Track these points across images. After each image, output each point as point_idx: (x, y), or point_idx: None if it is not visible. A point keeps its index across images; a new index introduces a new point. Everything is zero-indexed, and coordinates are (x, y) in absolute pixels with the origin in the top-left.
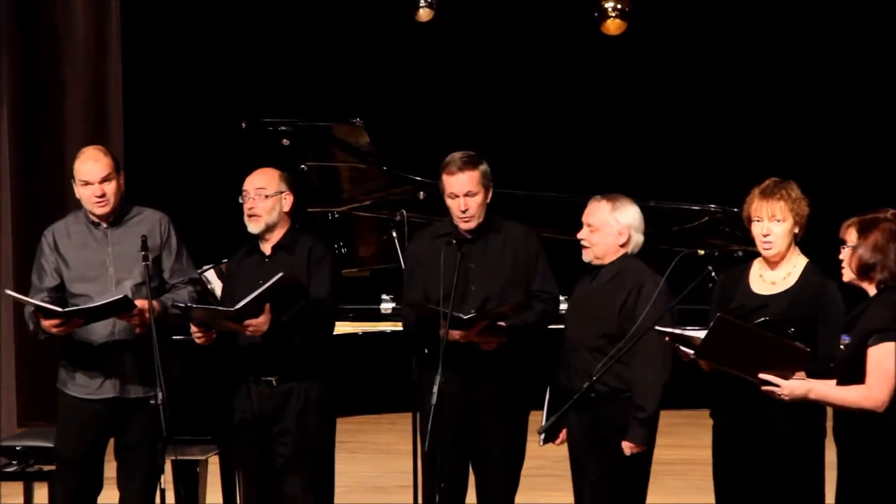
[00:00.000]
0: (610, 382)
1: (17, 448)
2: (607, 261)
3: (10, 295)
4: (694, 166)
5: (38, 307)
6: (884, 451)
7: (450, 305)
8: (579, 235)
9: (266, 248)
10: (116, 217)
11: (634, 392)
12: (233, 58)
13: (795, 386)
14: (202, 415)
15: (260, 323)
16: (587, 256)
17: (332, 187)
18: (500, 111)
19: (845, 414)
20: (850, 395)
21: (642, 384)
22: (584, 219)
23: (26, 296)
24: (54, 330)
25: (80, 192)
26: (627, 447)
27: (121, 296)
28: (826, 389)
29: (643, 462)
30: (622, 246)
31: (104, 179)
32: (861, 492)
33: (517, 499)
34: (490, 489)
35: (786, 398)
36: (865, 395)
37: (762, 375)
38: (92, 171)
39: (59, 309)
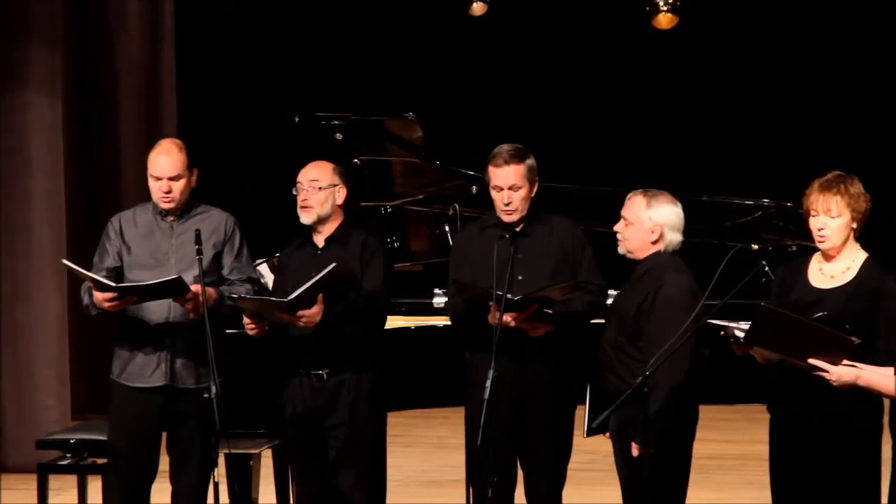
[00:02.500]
0: (629, 380)
1: (71, 441)
2: (640, 256)
3: (68, 265)
4: (748, 161)
5: (93, 280)
6: None
7: (504, 291)
8: (615, 228)
9: (319, 240)
10: (183, 211)
11: (646, 395)
12: (287, 51)
13: (844, 372)
14: (255, 408)
15: (313, 314)
16: (621, 249)
17: (384, 181)
18: (552, 105)
19: None
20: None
21: (651, 387)
22: (622, 211)
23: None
24: (106, 305)
25: (150, 183)
26: (635, 448)
27: (174, 275)
28: (874, 377)
29: (675, 461)
30: (654, 243)
31: (173, 177)
32: None
33: (567, 493)
34: (538, 482)
35: (834, 383)
36: None
37: (812, 361)
38: (163, 167)
39: (114, 283)
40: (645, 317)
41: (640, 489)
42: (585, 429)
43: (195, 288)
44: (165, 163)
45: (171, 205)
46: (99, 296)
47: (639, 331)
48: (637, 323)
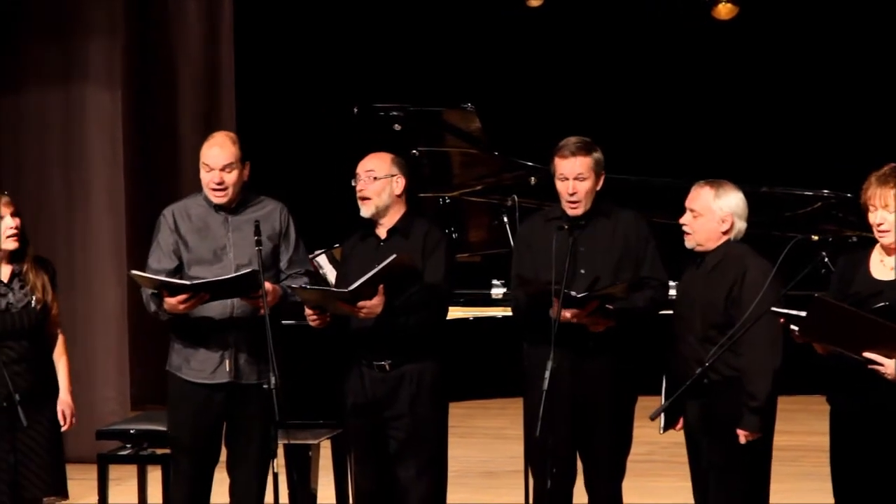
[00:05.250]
0: (722, 370)
1: (131, 431)
2: (710, 247)
3: (135, 275)
4: (808, 151)
5: (164, 283)
6: None
7: (562, 285)
8: (681, 221)
9: (381, 231)
10: (237, 204)
11: (746, 380)
12: (344, 43)
13: None
14: (315, 399)
15: (374, 305)
16: (689, 243)
17: (443, 172)
18: (611, 96)
19: None
20: None
21: (753, 372)
22: (688, 204)
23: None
24: (181, 307)
25: (202, 174)
26: (742, 435)
27: (251, 269)
28: None
29: (761, 449)
30: (724, 233)
31: (226, 167)
32: None
33: (625, 484)
34: (597, 474)
35: (889, 377)
36: None
37: (866, 354)
38: (215, 158)
39: (188, 283)
40: (735, 304)
41: (734, 479)
42: (662, 424)
43: (267, 285)
44: (218, 153)
45: (223, 198)
46: (172, 300)
47: (730, 320)
48: (727, 312)
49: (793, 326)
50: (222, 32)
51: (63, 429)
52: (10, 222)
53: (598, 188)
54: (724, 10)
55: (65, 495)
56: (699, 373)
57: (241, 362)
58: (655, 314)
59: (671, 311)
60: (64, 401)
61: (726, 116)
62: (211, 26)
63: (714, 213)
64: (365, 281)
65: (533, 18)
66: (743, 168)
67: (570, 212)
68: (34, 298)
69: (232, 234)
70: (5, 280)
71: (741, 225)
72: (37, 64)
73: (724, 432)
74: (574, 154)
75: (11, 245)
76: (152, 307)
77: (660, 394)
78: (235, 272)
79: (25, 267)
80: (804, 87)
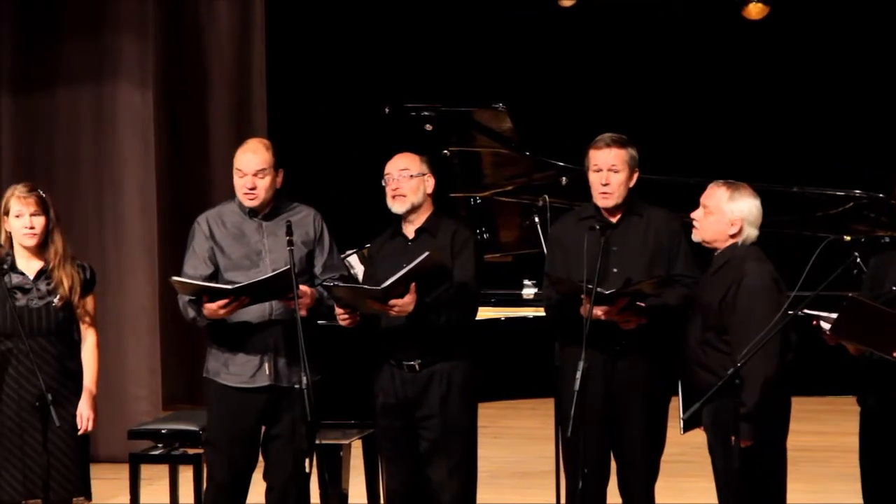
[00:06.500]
0: (720, 373)
1: (163, 431)
2: (718, 247)
3: (175, 281)
4: (840, 151)
5: (204, 288)
6: None
7: (594, 283)
8: (693, 215)
9: (409, 231)
10: (271, 210)
11: (741, 387)
12: (376, 43)
13: None
14: (346, 399)
15: (405, 303)
16: (696, 237)
17: (474, 172)
18: (643, 96)
19: None
20: None
21: (745, 378)
22: (702, 199)
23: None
24: (221, 312)
25: (235, 180)
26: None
27: (286, 267)
28: None
29: (771, 454)
30: (732, 236)
31: (258, 173)
32: None
33: (658, 485)
34: (631, 476)
35: None
36: None
37: None
38: (248, 163)
39: (228, 287)
40: (729, 309)
41: (738, 482)
42: (681, 424)
43: (303, 288)
44: (251, 158)
45: (255, 203)
46: (212, 306)
47: (724, 324)
48: (721, 315)
49: (824, 326)
50: (254, 32)
51: (79, 432)
52: (27, 221)
53: (631, 185)
54: (754, 10)
55: (89, 496)
56: (731, 373)
57: (280, 365)
58: (686, 311)
59: None
60: (82, 403)
61: (758, 116)
62: (243, 26)
63: (724, 213)
64: (397, 279)
65: (565, 18)
66: (776, 168)
67: (602, 203)
68: (57, 298)
69: (267, 240)
70: (31, 277)
71: (751, 231)
72: (69, 63)
73: (724, 436)
74: (609, 146)
75: (28, 242)
76: (190, 314)
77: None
78: None
79: (52, 265)
80: (836, 86)
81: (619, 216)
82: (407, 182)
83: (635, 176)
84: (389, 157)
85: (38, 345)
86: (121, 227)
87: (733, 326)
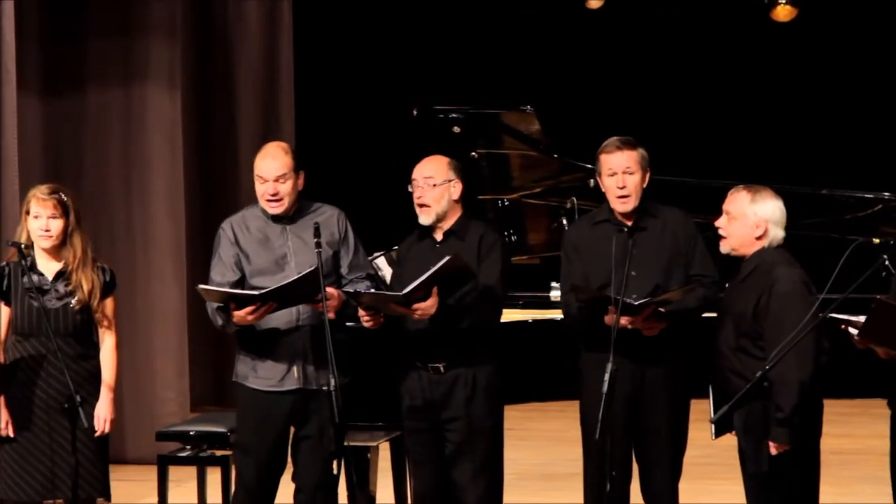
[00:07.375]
0: (750, 377)
1: (191, 433)
2: (745, 253)
3: (202, 289)
4: (868, 154)
5: (232, 295)
6: None
7: (622, 293)
8: (717, 223)
9: (437, 234)
10: (294, 213)
11: (774, 391)
12: (404, 45)
13: None
14: (374, 401)
15: (428, 306)
16: (724, 248)
17: (502, 174)
18: (671, 98)
19: None
20: None
21: (780, 383)
22: (724, 206)
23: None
24: (249, 318)
25: (257, 187)
26: (773, 447)
27: (312, 267)
28: None
29: (805, 458)
30: (758, 239)
31: (279, 178)
32: None
33: (683, 486)
34: (654, 477)
35: None
36: None
37: None
38: (268, 169)
39: (256, 293)
40: (762, 316)
41: (773, 486)
42: (713, 430)
43: (330, 290)
44: (271, 164)
45: (279, 209)
46: (241, 312)
47: (759, 330)
48: (756, 322)
49: (852, 330)
50: (282, 34)
51: (96, 434)
52: (44, 224)
53: (645, 185)
54: (782, 13)
55: (109, 497)
56: (759, 376)
57: (308, 368)
58: (709, 311)
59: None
60: (100, 405)
61: (786, 119)
62: (271, 28)
63: (748, 217)
64: (419, 284)
65: (593, 20)
66: (804, 171)
67: (620, 207)
68: (75, 300)
69: (292, 243)
70: (50, 278)
71: (776, 232)
72: (98, 64)
73: (757, 441)
74: (620, 148)
75: (44, 244)
76: (219, 321)
77: (709, 397)
78: None
79: (71, 267)
80: (863, 88)
81: (635, 218)
82: (430, 192)
83: (647, 176)
84: (418, 158)
85: (52, 345)
86: (149, 228)
87: (768, 332)
